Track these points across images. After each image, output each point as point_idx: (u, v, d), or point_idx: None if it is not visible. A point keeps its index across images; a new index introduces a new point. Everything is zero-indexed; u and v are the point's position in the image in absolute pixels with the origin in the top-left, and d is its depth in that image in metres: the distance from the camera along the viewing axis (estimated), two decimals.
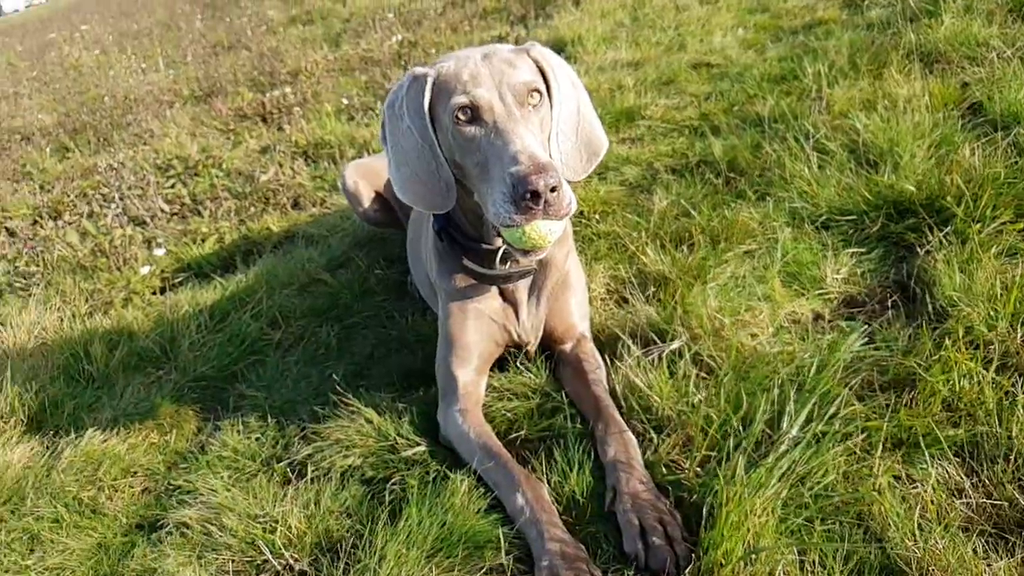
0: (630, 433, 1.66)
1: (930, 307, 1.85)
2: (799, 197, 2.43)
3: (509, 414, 1.86)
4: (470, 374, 1.88)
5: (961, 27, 3.27)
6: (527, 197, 1.38)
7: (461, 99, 1.53)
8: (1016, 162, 2.21)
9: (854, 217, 2.26)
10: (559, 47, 5.16)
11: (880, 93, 2.95)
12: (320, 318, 2.61)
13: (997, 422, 1.48)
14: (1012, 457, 1.41)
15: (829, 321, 1.95)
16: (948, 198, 2.11)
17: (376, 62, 6.43)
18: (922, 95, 2.77)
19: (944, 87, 2.85)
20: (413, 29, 7.24)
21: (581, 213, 2.75)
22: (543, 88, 1.62)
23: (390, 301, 2.64)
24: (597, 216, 2.72)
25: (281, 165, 4.32)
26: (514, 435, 1.80)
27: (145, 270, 3.29)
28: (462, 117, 1.54)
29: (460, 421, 1.79)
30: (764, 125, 3.06)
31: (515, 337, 1.92)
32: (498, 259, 1.80)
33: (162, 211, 4.17)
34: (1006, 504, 1.35)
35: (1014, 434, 1.44)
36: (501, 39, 5.97)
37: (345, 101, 5.16)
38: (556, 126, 1.67)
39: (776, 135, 2.92)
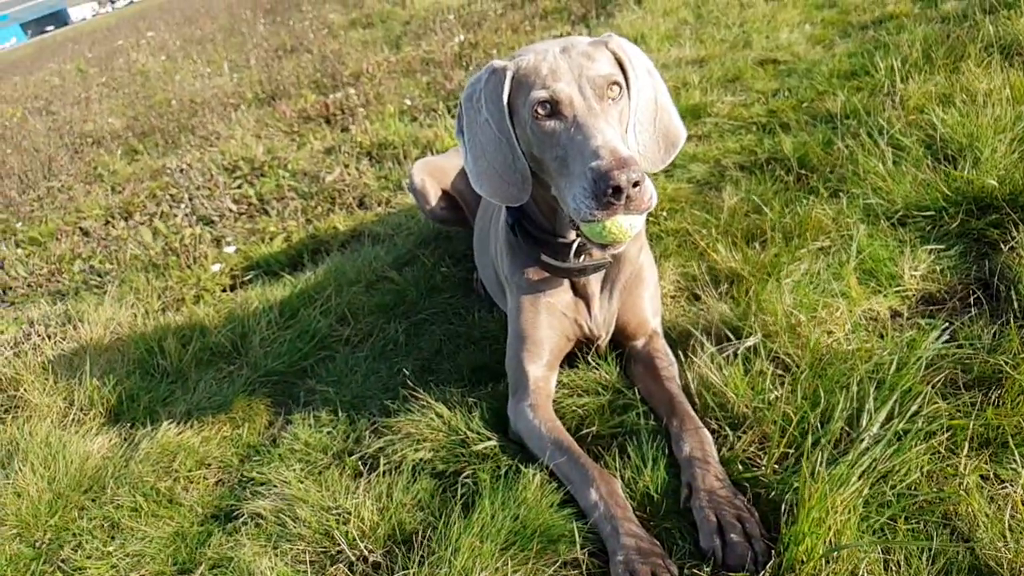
0: (705, 430, 1.64)
1: (1016, 304, 1.78)
2: (874, 193, 2.37)
3: (580, 410, 1.86)
4: (541, 369, 1.88)
5: None
6: (609, 192, 1.37)
7: (540, 93, 1.53)
8: None
9: (932, 213, 2.19)
10: None
11: (957, 87, 2.85)
12: (387, 315, 2.66)
13: None
14: None
15: (908, 319, 1.90)
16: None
17: (437, 63, 6.50)
18: (1003, 88, 2.67)
19: None
20: (473, 30, 7.29)
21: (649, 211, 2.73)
22: (622, 80, 1.60)
23: (456, 298, 2.66)
24: (665, 213, 2.70)
25: (346, 166, 4.40)
26: (585, 431, 1.80)
27: (216, 268, 3.39)
28: (541, 112, 1.54)
29: (531, 416, 1.80)
30: (835, 121, 3.00)
31: (587, 331, 1.92)
32: (572, 252, 1.80)
33: (230, 211, 4.29)
34: None
35: None
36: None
37: (408, 102, 5.23)
38: (634, 117, 1.66)
39: (848, 131, 2.85)
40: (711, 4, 5.43)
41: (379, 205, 3.82)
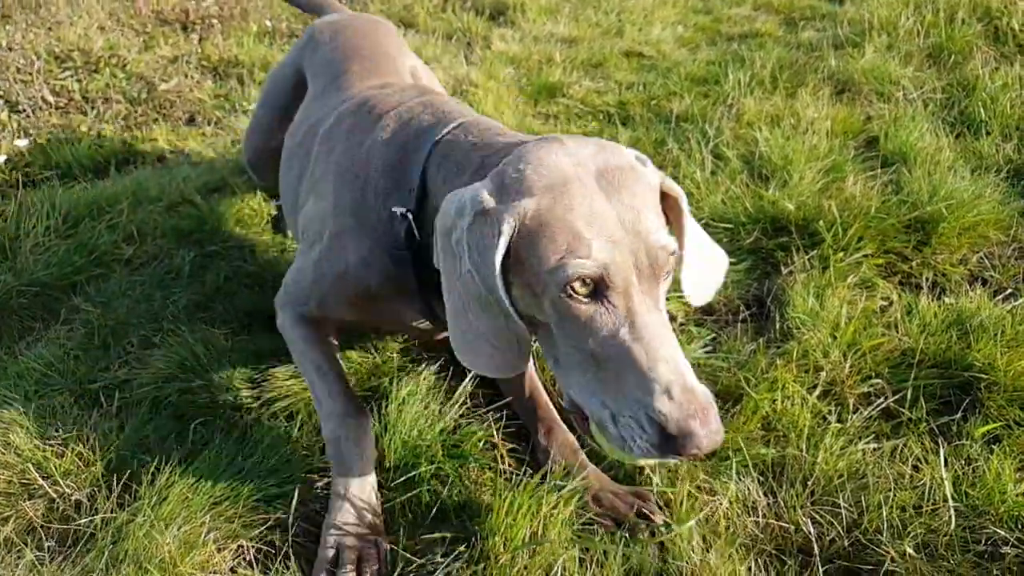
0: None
1: (778, 326, 1.86)
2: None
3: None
4: (328, 313, 1.61)
5: (879, 62, 3.32)
6: (686, 454, 1.04)
7: (586, 268, 1.07)
8: (889, 200, 2.25)
9: (731, 227, 2.26)
10: (501, 10, 5.03)
11: (788, 111, 2.96)
12: (180, 241, 2.46)
13: (806, 446, 1.49)
14: (810, 483, 1.43)
15: (681, 324, 1.94)
16: (821, 223, 2.13)
17: None
18: (825, 120, 2.80)
19: (849, 116, 2.88)
20: None
21: None
22: (676, 246, 1.16)
23: (257, 234, 2.51)
24: None
25: (186, 76, 4.07)
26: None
27: (0, 159, 3.04)
28: (580, 291, 1.09)
29: (302, 329, 1.61)
30: (673, 123, 3.04)
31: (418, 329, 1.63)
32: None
33: (45, 101, 3.87)
34: (792, 527, 1.36)
35: (818, 460, 1.46)
36: None
37: (269, 24, 4.90)
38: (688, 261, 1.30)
39: (682, 134, 2.90)
40: None
41: (209, 124, 3.55)
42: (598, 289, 1.09)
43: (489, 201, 1.14)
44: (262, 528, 1.39)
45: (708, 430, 1.03)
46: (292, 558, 1.34)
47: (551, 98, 3.58)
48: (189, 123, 3.61)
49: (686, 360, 1.09)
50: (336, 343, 1.70)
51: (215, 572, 1.31)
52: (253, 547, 1.36)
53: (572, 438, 1.56)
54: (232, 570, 1.34)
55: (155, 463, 1.50)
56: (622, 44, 4.33)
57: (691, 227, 1.30)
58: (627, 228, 1.10)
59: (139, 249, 2.43)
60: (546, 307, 1.13)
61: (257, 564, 1.35)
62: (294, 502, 1.40)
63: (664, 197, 1.22)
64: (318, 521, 1.42)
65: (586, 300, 1.09)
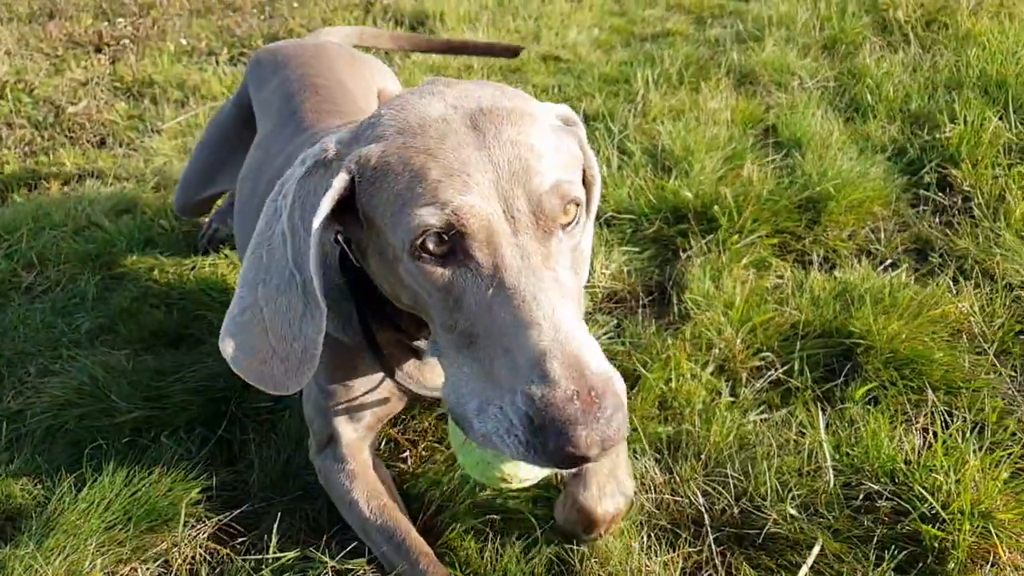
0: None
1: (676, 309, 1.91)
2: None
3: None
4: (356, 430, 1.37)
5: (778, 55, 3.43)
6: (559, 456, 0.80)
7: (430, 217, 0.88)
8: (783, 182, 2.34)
9: (634, 217, 2.31)
10: (421, 20, 5.06)
11: (692, 104, 3.05)
12: (85, 265, 2.41)
13: (700, 421, 1.54)
14: (703, 456, 1.47)
15: (590, 315, 1.98)
16: (717, 208, 2.20)
17: (237, 8, 6.09)
18: (724, 110, 2.89)
19: (748, 106, 2.98)
20: None
21: None
22: (583, 196, 0.98)
23: (167, 254, 2.47)
24: None
25: (95, 98, 3.99)
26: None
27: None
28: (435, 250, 0.90)
29: (348, 486, 1.33)
30: (587, 121, 3.10)
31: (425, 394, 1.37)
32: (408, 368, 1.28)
33: None
34: (686, 501, 1.40)
35: (711, 433, 1.50)
36: (369, 3, 5.79)
37: (184, 42, 4.83)
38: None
39: (591, 132, 2.96)
40: None
41: (121, 145, 3.48)
42: (457, 245, 0.89)
43: (332, 150, 0.98)
44: (157, 549, 1.37)
45: (594, 419, 0.78)
46: None
47: None
48: (100, 146, 3.54)
49: (583, 329, 0.88)
50: (391, 481, 1.41)
51: None
52: (147, 570, 1.34)
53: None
54: None
55: (43, 494, 1.47)
56: (539, 48, 4.40)
57: (594, 209, 1.15)
58: (499, 169, 0.90)
59: (41, 276, 2.37)
60: (405, 280, 0.95)
61: None
62: (181, 518, 1.38)
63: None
64: (218, 537, 1.41)
65: (439, 261, 0.90)
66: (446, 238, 0.89)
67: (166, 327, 2.04)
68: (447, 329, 0.93)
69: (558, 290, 0.89)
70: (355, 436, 1.36)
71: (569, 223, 0.95)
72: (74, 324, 2.10)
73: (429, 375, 1.31)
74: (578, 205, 0.96)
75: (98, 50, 5.33)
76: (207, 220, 2.49)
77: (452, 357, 0.94)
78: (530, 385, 0.81)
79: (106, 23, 5.91)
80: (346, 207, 0.99)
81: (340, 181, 0.94)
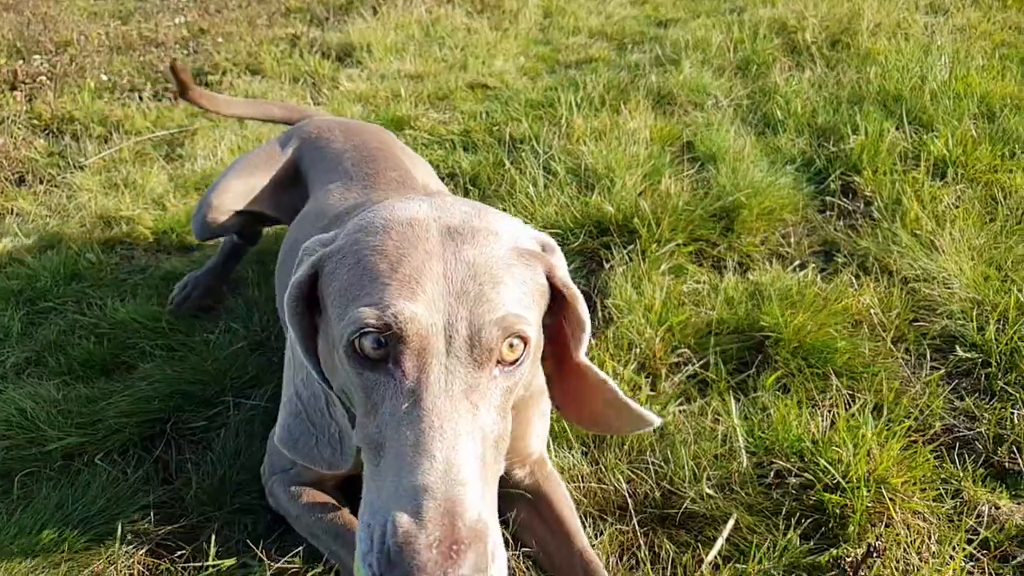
0: None
1: (600, 315, 2.01)
2: (520, 212, 2.56)
3: None
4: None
5: (694, 76, 3.62)
6: None
7: (371, 317, 0.87)
8: (698, 194, 2.47)
9: (561, 232, 2.41)
10: (348, 52, 5.13)
11: (613, 125, 3.19)
12: (7, 302, 2.37)
13: None
14: (626, 447, 1.55)
15: None
16: (637, 220, 2.31)
17: (159, 43, 6.05)
18: (643, 129, 3.03)
19: (667, 125, 3.13)
20: (209, 16, 6.89)
21: None
22: (532, 334, 0.94)
23: (96, 288, 2.45)
24: None
25: (12, 136, 3.92)
26: None
27: None
28: (371, 352, 0.89)
29: (294, 499, 1.34)
30: (511, 145, 3.20)
31: None
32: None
33: None
34: (611, 489, 1.48)
35: None
36: (296, 37, 5.83)
37: (105, 77, 4.79)
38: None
39: (518, 155, 3.06)
40: (440, 25, 5.60)
41: (42, 183, 3.43)
42: (391, 353, 0.88)
43: (310, 247, 1.02)
44: (93, 568, 1.37)
45: (443, 574, 0.76)
46: None
47: (399, 130, 3.67)
48: (19, 184, 3.48)
49: (475, 474, 0.83)
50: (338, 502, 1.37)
51: None
52: None
53: None
54: None
55: None
56: (467, 77, 4.51)
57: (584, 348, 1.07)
58: (451, 284, 0.89)
59: None
60: (339, 374, 0.96)
61: None
62: (118, 536, 1.39)
63: (564, 308, 1.04)
64: (156, 552, 1.41)
65: (372, 365, 0.89)
66: (383, 342, 0.88)
67: (96, 357, 2.03)
68: (362, 430, 0.92)
69: (469, 425, 0.86)
70: (309, 475, 1.36)
71: (514, 362, 0.92)
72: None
73: None
74: (526, 343, 0.92)
75: (13, 88, 5.23)
76: (183, 280, 2.34)
77: (365, 457, 0.93)
78: (401, 516, 0.79)
79: (21, 61, 5.81)
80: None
81: (306, 266, 0.98)
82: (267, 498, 1.43)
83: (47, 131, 4.10)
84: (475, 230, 0.95)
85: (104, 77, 4.81)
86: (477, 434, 0.86)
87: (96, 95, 4.67)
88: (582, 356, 1.08)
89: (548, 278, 1.01)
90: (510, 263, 0.94)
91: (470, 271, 0.90)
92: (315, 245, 1.03)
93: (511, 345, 0.91)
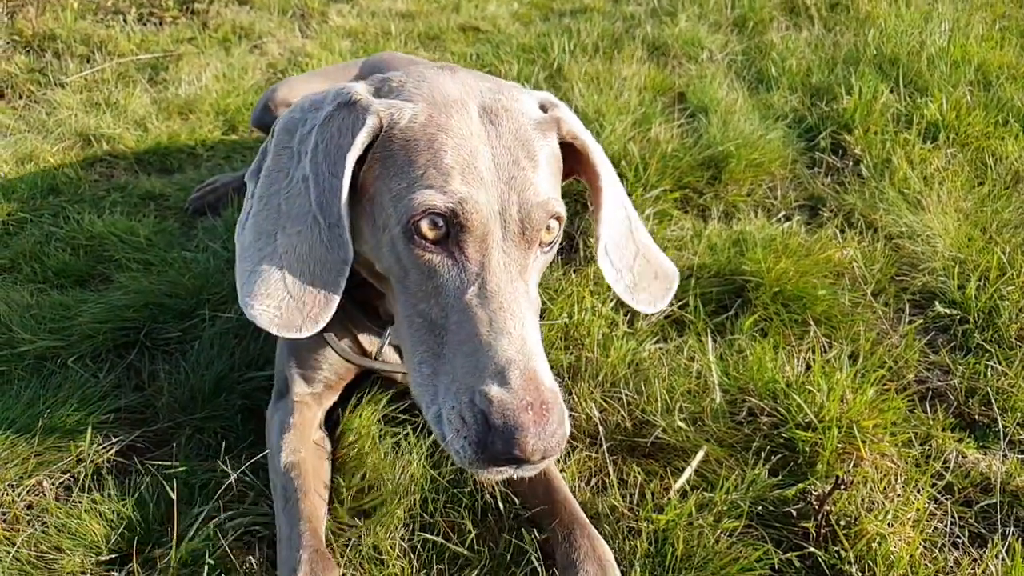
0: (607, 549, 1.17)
1: (582, 254, 2.00)
2: None
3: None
4: (311, 386, 1.35)
5: (690, 29, 3.57)
6: (503, 457, 0.85)
7: (437, 201, 0.90)
8: (687, 142, 2.46)
9: None
10: None
11: (607, 71, 3.14)
12: None
13: (599, 350, 1.62)
14: (600, 379, 1.56)
15: None
16: (624, 163, 2.30)
17: None
18: (636, 76, 2.99)
19: (660, 75, 3.10)
20: None
21: None
22: (564, 212, 1.01)
23: (73, 203, 2.40)
24: None
25: None
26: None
27: None
28: (428, 232, 0.92)
29: (280, 437, 1.28)
30: None
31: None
32: (380, 347, 1.27)
33: None
34: (584, 417, 1.49)
35: (609, 359, 1.59)
36: None
37: None
38: (606, 235, 1.15)
39: None
40: None
41: (21, 98, 3.34)
42: (450, 234, 0.92)
43: (360, 93, 0.98)
44: (63, 463, 1.36)
45: (541, 430, 0.84)
46: (94, 490, 1.33)
47: None
48: None
49: (540, 347, 0.91)
50: (327, 448, 1.35)
51: (6, 510, 1.28)
52: (53, 481, 1.34)
53: (604, 551, 1.17)
54: (29, 506, 1.31)
55: None
56: (459, 19, 4.42)
57: (612, 196, 1.11)
58: (500, 172, 0.94)
59: None
60: (385, 252, 0.95)
61: (62, 495, 1.32)
62: (88, 435, 1.38)
63: (578, 160, 1.08)
64: (125, 453, 1.41)
65: (433, 247, 0.92)
66: (441, 224, 0.91)
67: (72, 267, 2.00)
68: (416, 314, 0.95)
69: (528, 304, 0.94)
70: (307, 391, 1.35)
71: (551, 242, 1.00)
72: None
73: (387, 351, 1.31)
74: (560, 222, 1.00)
75: None
76: (212, 178, 2.38)
77: (414, 344, 0.95)
78: (491, 387, 0.86)
79: None
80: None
81: (373, 124, 0.95)
82: (265, 431, 1.37)
83: (28, 48, 3.97)
84: (505, 110, 0.99)
85: None
86: (534, 311, 0.95)
87: (79, 15, 4.53)
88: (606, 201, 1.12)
89: (559, 138, 1.06)
90: (539, 141, 1.00)
91: (511, 156, 0.95)
92: (367, 96, 0.99)
93: (548, 227, 0.98)
